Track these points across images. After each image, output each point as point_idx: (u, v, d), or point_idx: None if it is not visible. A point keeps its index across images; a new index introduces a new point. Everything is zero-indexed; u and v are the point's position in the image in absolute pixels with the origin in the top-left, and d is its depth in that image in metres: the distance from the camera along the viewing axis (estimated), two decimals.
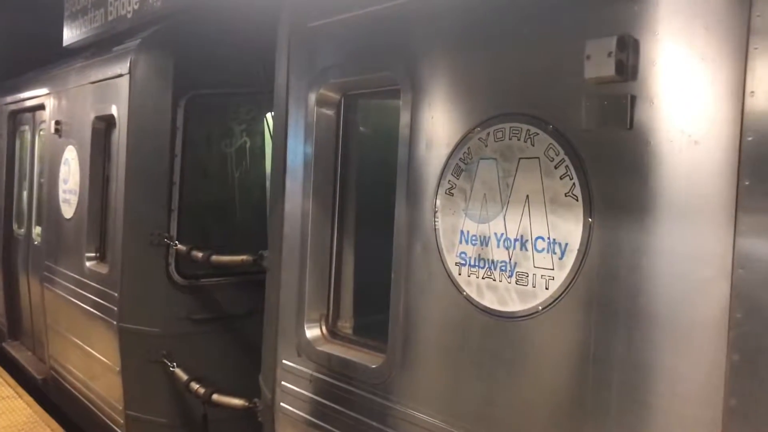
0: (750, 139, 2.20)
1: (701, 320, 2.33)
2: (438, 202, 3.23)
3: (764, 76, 2.18)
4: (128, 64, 5.95)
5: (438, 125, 3.27)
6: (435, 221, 3.24)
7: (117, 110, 6.14)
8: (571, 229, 2.70)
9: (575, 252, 2.68)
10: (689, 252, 2.36)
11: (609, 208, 2.59)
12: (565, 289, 2.71)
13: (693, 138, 2.35)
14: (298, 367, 4.04)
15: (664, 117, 2.43)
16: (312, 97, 3.99)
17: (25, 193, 9.20)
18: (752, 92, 2.20)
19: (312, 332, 4.02)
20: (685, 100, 2.38)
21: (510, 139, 2.93)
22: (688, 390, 2.36)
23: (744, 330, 2.21)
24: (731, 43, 2.26)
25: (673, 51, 2.42)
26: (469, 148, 3.10)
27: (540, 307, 2.79)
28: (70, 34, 6.92)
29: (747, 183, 2.21)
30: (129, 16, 5.65)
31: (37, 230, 8.56)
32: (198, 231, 6.05)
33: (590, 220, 2.63)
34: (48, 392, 8.20)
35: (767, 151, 2.17)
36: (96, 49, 7.04)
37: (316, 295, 4.05)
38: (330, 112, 4.02)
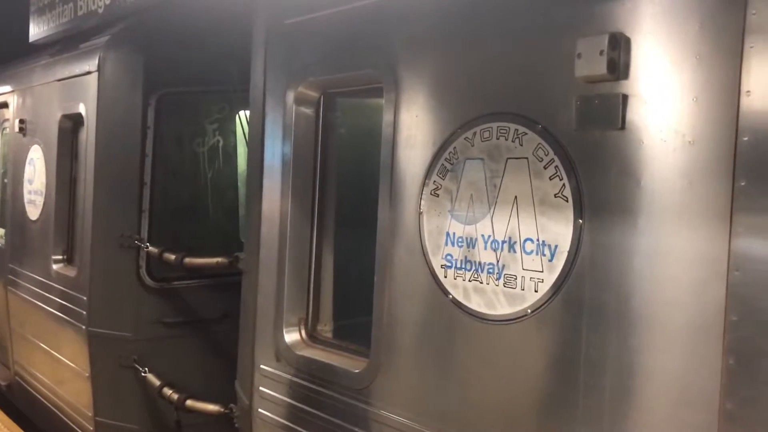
0: (746, 139, 2.17)
1: (696, 323, 2.29)
2: (423, 203, 3.16)
3: (760, 75, 2.15)
4: (97, 61, 5.78)
5: (422, 124, 3.20)
6: (420, 222, 3.17)
7: (85, 109, 5.97)
8: (560, 230, 2.65)
9: (565, 254, 2.63)
10: (683, 254, 2.32)
11: (600, 209, 2.54)
12: (554, 292, 2.66)
13: (687, 138, 2.31)
14: (277, 372, 3.95)
15: (657, 116, 2.39)
16: (290, 96, 3.89)
17: None
18: (748, 92, 2.17)
19: (291, 336, 3.92)
20: (679, 100, 2.34)
21: (497, 138, 2.88)
22: (683, 394, 2.32)
23: (740, 333, 2.17)
24: (726, 42, 2.23)
25: (667, 49, 2.39)
26: (454, 147, 3.04)
27: (529, 311, 2.74)
28: (36, 30, 6.70)
29: (743, 184, 2.18)
30: (100, 11, 5.49)
31: (1, 232, 8.31)
32: (170, 232, 5.90)
33: (581, 221, 2.58)
34: (13, 398, 7.97)
35: (763, 152, 2.14)
36: (62, 45, 6.85)
37: (295, 298, 3.96)
38: (309, 111, 3.92)
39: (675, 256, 2.34)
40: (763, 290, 2.13)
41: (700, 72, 2.29)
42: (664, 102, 2.38)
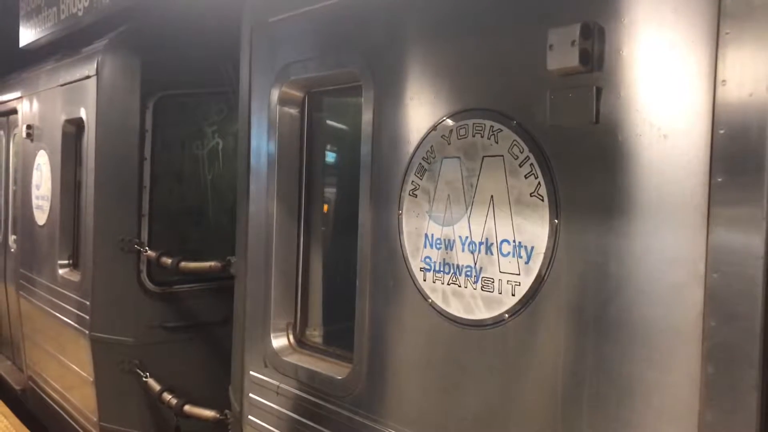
0: (722, 132, 2.03)
1: (675, 329, 2.15)
2: (402, 203, 3.05)
3: (736, 63, 2.00)
4: (95, 65, 5.77)
5: (401, 122, 3.08)
6: (399, 224, 3.06)
7: (86, 113, 5.96)
8: (536, 231, 2.52)
9: (542, 256, 2.50)
10: (660, 255, 2.18)
11: (576, 208, 2.41)
12: (531, 296, 2.53)
13: (662, 132, 2.17)
14: (265, 378, 3.86)
15: (632, 110, 2.25)
16: (274, 96, 3.81)
17: (1, 200, 8.99)
18: (724, 81, 2.03)
19: (278, 342, 3.84)
20: (654, 91, 2.20)
21: (473, 136, 2.76)
22: (663, 403, 2.18)
23: (719, 340, 2.03)
24: (701, 29, 2.09)
25: (641, 38, 2.25)
26: (432, 146, 2.92)
27: (506, 315, 2.61)
28: (26, 35, 6.70)
29: (720, 180, 2.04)
30: (80, 14, 5.45)
31: (13, 237, 8.36)
32: (171, 236, 5.88)
33: (556, 221, 2.46)
34: (27, 403, 8.01)
35: (740, 145, 1.99)
36: (66, 50, 6.85)
37: (283, 303, 3.87)
38: (293, 111, 3.83)
39: (651, 257, 2.20)
40: (742, 294, 1.99)
41: (674, 61, 2.15)
42: (638, 94, 2.24)
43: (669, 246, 2.16)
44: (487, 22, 2.73)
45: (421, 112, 3.00)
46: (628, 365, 2.25)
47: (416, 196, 2.99)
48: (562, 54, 2.35)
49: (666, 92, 2.17)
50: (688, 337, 2.11)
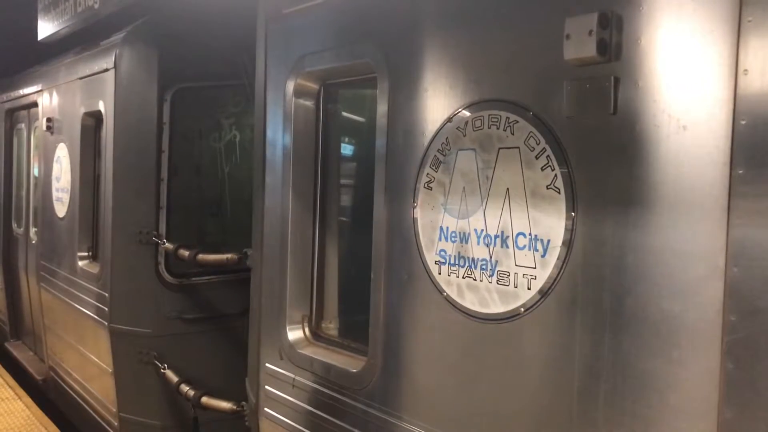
0: (743, 122, 1.98)
1: (693, 324, 2.11)
2: (417, 196, 3.02)
3: (759, 52, 1.95)
4: (113, 58, 5.79)
5: (415, 114, 3.05)
6: (414, 217, 3.03)
7: (104, 106, 5.98)
8: (553, 224, 2.48)
9: (558, 249, 2.46)
10: (679, 249, 2.13)
11: (593, 201, 2.37)
12: (548, 290, 2.50)
13: (681, 123, 2.12)
14: (281, 370, 3.86)
15: (650, 100, 2.20)
16: (290, 88, 3.79)
17: (23, 192, 9.09)
18: (746, 70, 1.97)
19: (294, 334, 3.83)
20: (673, 81, 2.15)
21: (489, 127, 2.72)
22: (681, 400, 2.14)
23: (739, 335, 1.99)
24: (723, 16, 2.03)
25: (660, 27, 2.20)
26: (447, 138, 2.89)
27: (522, 309, 2.58)
28: (44, 28, 6.72)
29: (741, 171, 1.98)
30: (96, 6, 5.46)
31: (34, 229, 8.45)
32: (189, 228, 5.90)
33: (573, 214, 2.41)
34: (48, 393, 8.10)
35: (763, 136, 1.94)
36: (87, 43, 6.88)
37: (298, 295, 3.86)
38: (308, 103, 3.81)
39: (670, 251, 2.15)
40: (763, 288, 1.94)
41: (694, 50, 2.10)
42: (657, 84, 2.19)
43: (688, 239, 2.11)
44: (503, 11, 2.68)
45: (436, 104, 2.96)
46: (646, 361, 2.21)
47: (431, 188, 2.96)
48: (580, 43, 2.31)
49: (685, 82, 2.12)
50: (708, 332, 2.06)
